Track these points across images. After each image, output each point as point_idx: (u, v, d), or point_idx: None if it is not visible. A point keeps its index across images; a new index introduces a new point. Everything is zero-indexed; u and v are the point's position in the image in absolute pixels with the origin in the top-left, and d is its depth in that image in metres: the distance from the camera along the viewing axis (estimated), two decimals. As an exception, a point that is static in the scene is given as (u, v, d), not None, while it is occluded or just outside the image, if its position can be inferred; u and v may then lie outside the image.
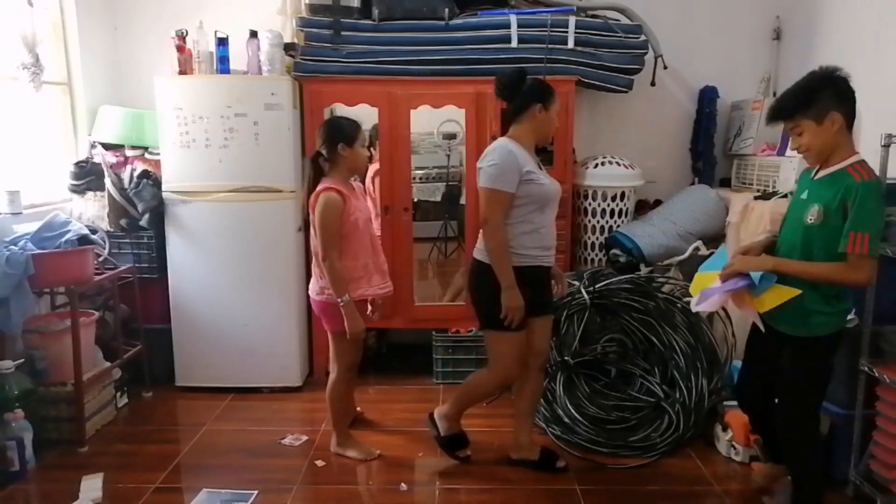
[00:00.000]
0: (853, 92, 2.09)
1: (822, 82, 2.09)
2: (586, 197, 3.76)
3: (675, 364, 3.19)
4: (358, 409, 3.31)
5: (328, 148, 2.77)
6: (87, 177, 3.58)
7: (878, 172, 2.42)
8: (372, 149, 3.43)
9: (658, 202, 3.99)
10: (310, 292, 2.89)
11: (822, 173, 2.15)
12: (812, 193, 2.15)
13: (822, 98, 2.05)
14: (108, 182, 3.58)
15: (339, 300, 2.68)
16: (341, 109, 4.04)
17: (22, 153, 3.44)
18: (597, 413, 3.09)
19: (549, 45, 3.58)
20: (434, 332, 3.79)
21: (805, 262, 2.12)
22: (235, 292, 3.59)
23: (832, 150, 2.09)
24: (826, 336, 2.19)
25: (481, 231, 2.59)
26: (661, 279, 3.44)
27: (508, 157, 2.51)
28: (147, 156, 3.67)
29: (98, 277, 3.25)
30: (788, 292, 2.12)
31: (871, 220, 1.99)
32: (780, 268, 2.14)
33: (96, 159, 3.64)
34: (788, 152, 3.39)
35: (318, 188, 2.73)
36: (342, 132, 2.77)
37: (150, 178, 3.57)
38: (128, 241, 3.62)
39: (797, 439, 2.29)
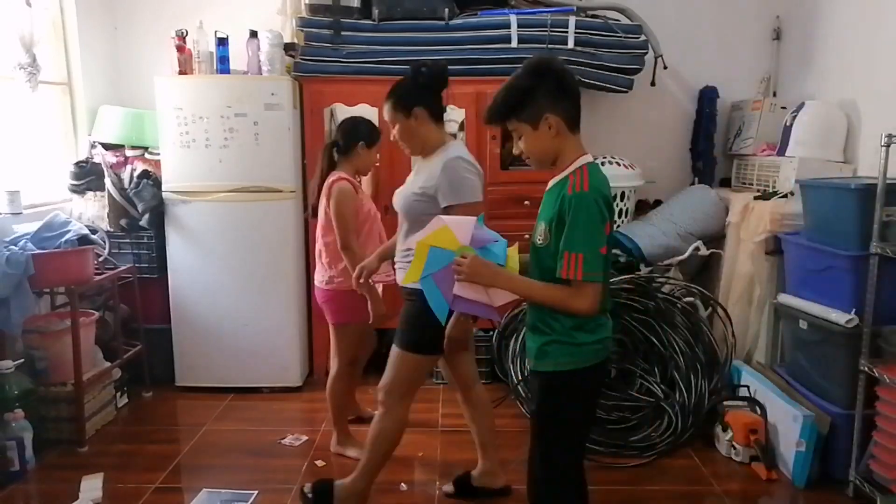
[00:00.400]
0: (571, 84, 1.76)
1: (533, 79, 1.74)
2: (586, 197, 3.75)
3: (674, 364, 3.18)
4: (361, 408, 3.31)
5: (346, 142, 2.84)
6: (87, 177, 3.58)
7: (878, 172, 2.44)
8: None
9: (658, 202, 3.99)
10: (316, 282, 2.90)
11: (550, 183, 1.83)
12: (542, 207, 1.83)
13: (536, 98, 1.72)
14: (108, 182, 3.58)
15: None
16: (341, 109, 4.03)
17: (22, 153, 3.44)
18: (597, 413, 3.09)
19: (549, 45, 3.58)
20: (434, 332, 3.79)
21: (531, 283, 1.78)
22: (235, 292, 3.58)
23: (554, 155, 1.78)
24: (566, 371, 1.78)
25: None
26: (660, 279, 3.44)
27: None
28: (147, 156, 3.67)
29: (98, 277, 3.25)
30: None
31: (584, 238, 1.66)
32: (512, 287, 1.76)
33: (96, 159, 3.64)
34: (789, 152, 3.39)
35: (330, 178, 2.78)
36: (368, 133, 2.87)
37: (150, 178, 3.57)
38: (128, 241, 3.62)
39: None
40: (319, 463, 2.92)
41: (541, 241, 1.77)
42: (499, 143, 3.67)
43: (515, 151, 1.85)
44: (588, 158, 1.78)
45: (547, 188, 1.83)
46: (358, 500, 2.49)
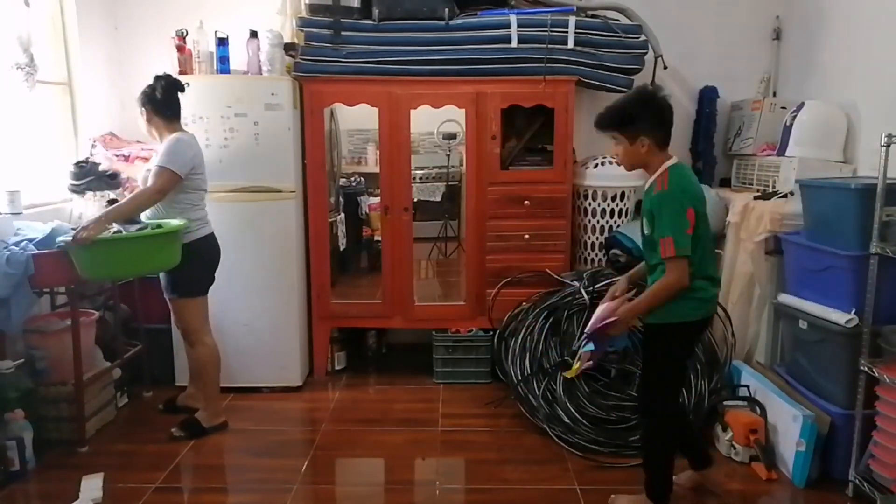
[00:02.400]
0: (668, 116, 2.25)
1: (638, 107, 2.25)
2: (586, 197, 3.76)
3: (675, 364, 3.18)
4: None
5: None
6: (87, 177, 3.57)
7: (878, 172, 2.44)
8: None
9: (658, 202, 3.99)
10: None
11: (646, 185, 2.33)
12: (643, 204, 2.34)
13: (636, 122, 2.23)
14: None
15: None
16: (341, 109, 4.03)
17: (22, 153, 3.44)
18: (597, 413, 3.09)
19: (549, 45, 3.58)
20: (434, 332, 3.79)
21: (646, 295, 2.26)
22: (235, 292, 3.58)
23: (641, 165, 2.30)
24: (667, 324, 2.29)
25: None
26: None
27: None
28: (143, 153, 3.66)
29: (98, 277, 3.25)
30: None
31: (669, 224, 2.15)
32: (638, 308, 2.28)
33: (96, 159, 3.63)
34: (789, 152, 3.39)
35: None
36: None
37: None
38: (128, 241, 3.61)
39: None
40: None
41: (647, 232, 2.29)
42: (499, 143, 3.66)
43: (611, 153, 2.40)
44: (670, 162, 2.24)
45: (644, 189, 2.34)
46: None
